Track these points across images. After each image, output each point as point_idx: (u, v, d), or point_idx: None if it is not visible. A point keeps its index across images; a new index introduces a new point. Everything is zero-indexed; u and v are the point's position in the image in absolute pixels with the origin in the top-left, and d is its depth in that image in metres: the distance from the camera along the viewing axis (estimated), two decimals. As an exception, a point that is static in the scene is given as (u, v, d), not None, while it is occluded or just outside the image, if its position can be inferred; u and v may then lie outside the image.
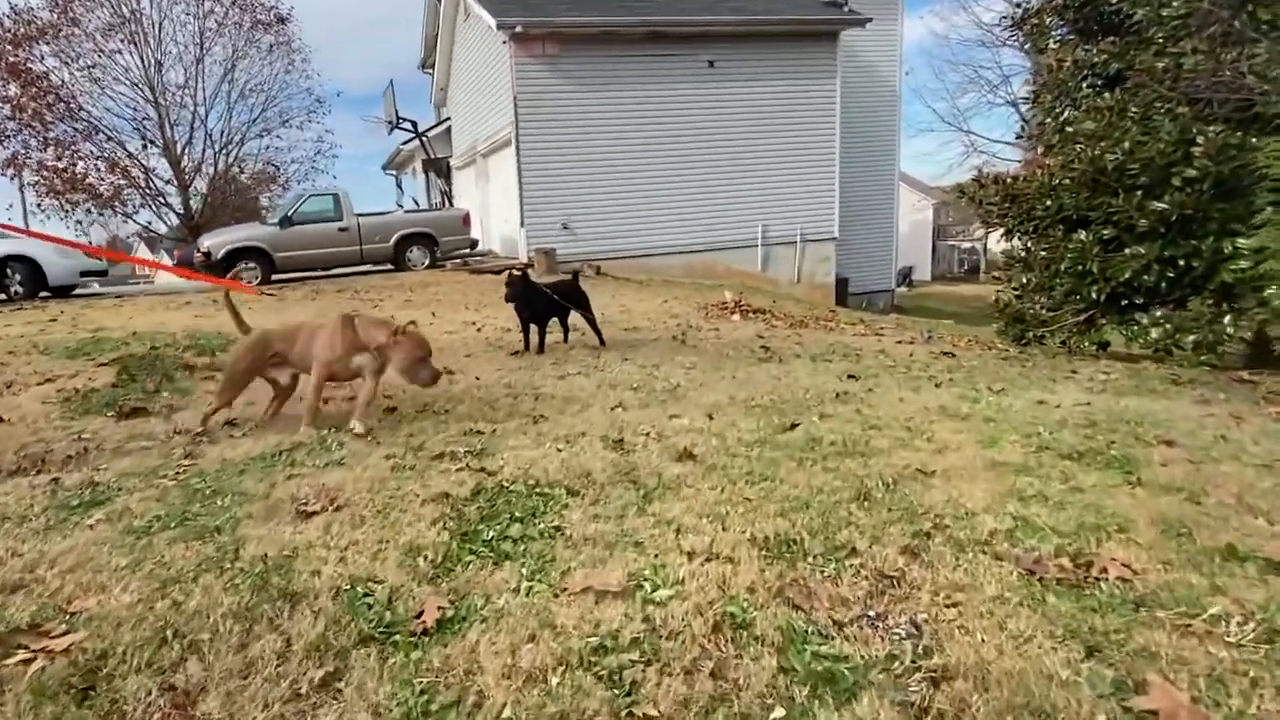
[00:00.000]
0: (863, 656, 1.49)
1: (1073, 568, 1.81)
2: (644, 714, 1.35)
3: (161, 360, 4.92)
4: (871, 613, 1.65)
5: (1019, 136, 19.49)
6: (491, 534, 2.11)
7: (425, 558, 1.96)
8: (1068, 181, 7.16)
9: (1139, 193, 6.54)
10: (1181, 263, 6.39)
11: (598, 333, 5.85)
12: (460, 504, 2.32)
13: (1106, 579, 1.75)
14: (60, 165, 18.93)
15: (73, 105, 18.81)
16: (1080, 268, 7.03)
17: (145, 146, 19.92)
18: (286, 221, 11.87)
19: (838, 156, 13.71)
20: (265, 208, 23.26)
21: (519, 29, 11.57)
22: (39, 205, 19.37)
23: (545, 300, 5.55)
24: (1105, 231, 6.90)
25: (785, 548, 1.96)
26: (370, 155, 70.48)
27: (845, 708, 1.35)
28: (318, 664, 1.52)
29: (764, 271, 13.60)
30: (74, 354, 5.17)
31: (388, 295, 9.35)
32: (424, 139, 18.80)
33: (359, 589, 1.80)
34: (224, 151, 21.18)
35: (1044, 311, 7.58)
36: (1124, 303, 6.93)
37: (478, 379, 4.47)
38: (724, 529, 2.08)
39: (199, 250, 11.66)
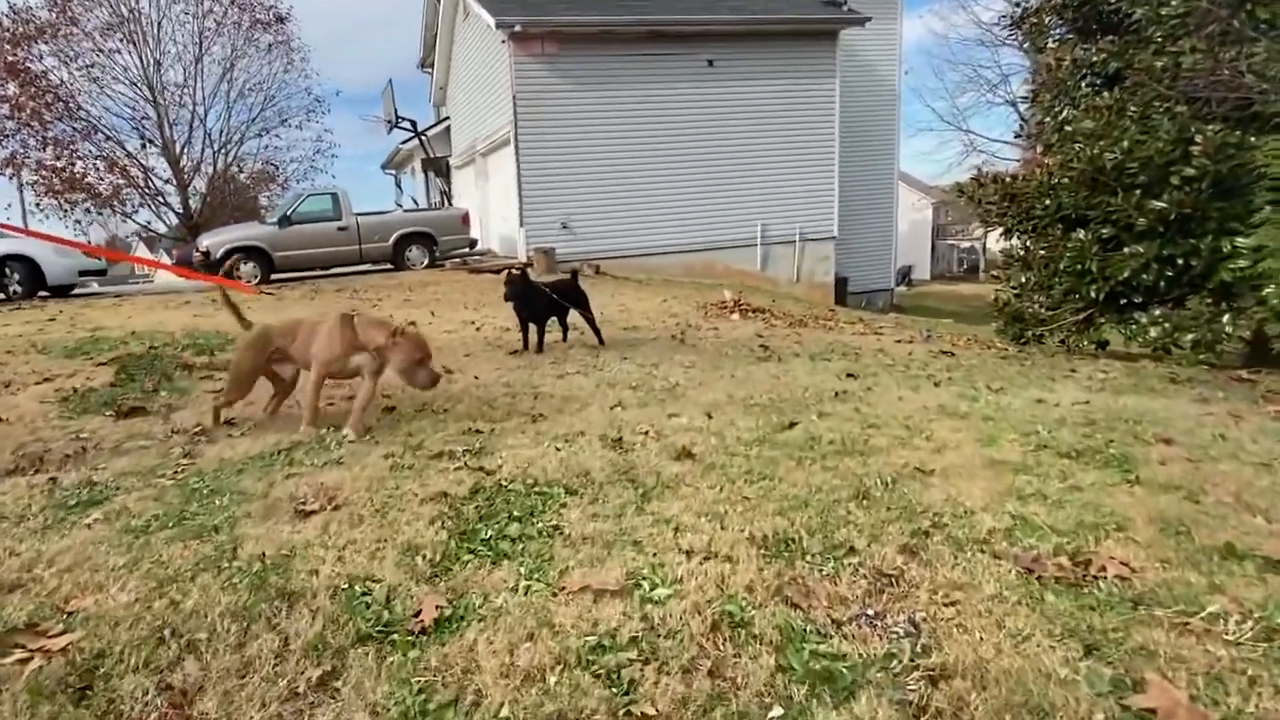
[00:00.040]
0: (861, 655, 1.49)
1: (1071, 566, 1.81)
2: (642, 713, 1.35)
3: (160, 360, 4.92)
4: (870, 611, 1.65)
5: (1018, 136, 19.55)
6: (490, 533, 2.11)
7: (423, 557, 1.96)
8: (1066, 180, 7.14)
9: (1138, 192, 6.53)
10: (1180, 262, 6.39)
11: (597, 332, 5.85)
12: (458, 503, 2.32)
13: (1105, 577, 1.75)
14: (59, 165, 18.93)
15: (71, 105, 18.81)
16: (1079, 267, 7.02)
17: (144, 146, 19.98)
18: (285, 221, 11.87)
19: (837, 156, 13.70)
20: (264, 207, 23.24)
21: (518, 28, 11.57)
22: (38, 205, 19.43)
23: (544, 299, 5.55)
24: (1104, 230, 6.89)
25: (784, 546, 1.96)
26: (369, 155, 70.61)
27: (843, 706, 1.35)
28: (315, 663, 1.52)
29: (763, 271, 13.60)
30: (72, 353, 5.17)
31: (387, 294, 9.34)
32: (423, 138, 18.78)
33: (357, 588, 1.80)
34: (223, 151, 21.24)
35: (1043, 310, 7.57)
36: (1123, 302, 6.92)
37: (476, 378, 4.47)
38: (722, 528, 2.08)
39: (198, 249, 11.65)
